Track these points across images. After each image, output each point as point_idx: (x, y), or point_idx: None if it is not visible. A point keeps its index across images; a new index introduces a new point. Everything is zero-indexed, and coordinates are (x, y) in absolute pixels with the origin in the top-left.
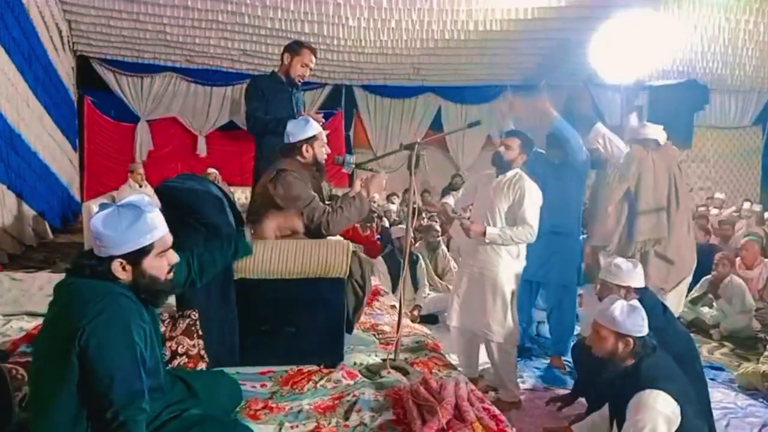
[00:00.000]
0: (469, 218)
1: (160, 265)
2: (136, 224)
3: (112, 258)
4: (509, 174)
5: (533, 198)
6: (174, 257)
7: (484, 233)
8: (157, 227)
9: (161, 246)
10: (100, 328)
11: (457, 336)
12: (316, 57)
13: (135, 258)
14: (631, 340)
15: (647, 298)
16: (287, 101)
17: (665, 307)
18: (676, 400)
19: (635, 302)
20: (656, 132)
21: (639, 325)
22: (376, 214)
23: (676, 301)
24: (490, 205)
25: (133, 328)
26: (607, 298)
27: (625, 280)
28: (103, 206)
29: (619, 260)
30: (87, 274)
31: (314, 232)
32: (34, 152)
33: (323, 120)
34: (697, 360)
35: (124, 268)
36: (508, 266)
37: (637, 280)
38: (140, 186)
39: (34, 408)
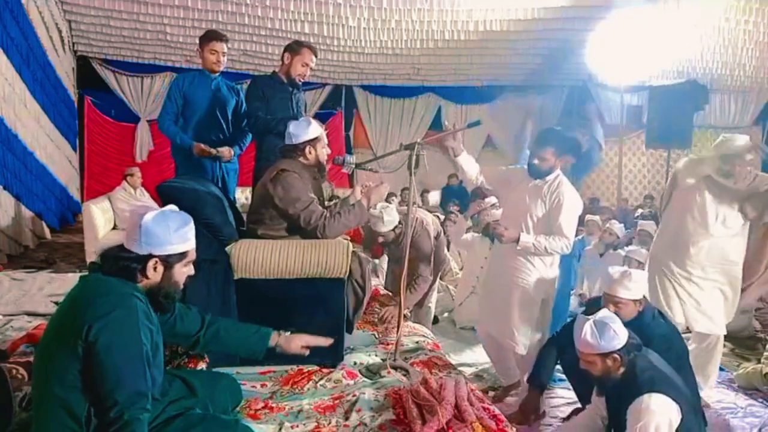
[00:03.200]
0: (498, 222)
1: (183, 274)
2: (182, 229)
3: (150, 256)
4: (549, 178)
5: (571, 207)
6: (192, 270)
7: (518, 240)
8: (193, 238)
9: (191, 256)
10: (110, 326)
11: (489, 344)
12: (316, 56)
13: (171, 261)
14: (617, 355)
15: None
16: (287, 101)
17: (660, 312)
18: (675, 400)
19: (605, 316)
20: None
21: (613, 339)
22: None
23: None
24: (526, 209)
25: (141, 328)
26: (578, 320)
27: (635, 294)
28: (147, 209)
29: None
30: (114, 269)
31: (310, 235)
32: (30, 152)
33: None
34: (686, 351)
35: (155, 269)
36: (540, 275)
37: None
38: (135, 190)
39: (36, 393)
